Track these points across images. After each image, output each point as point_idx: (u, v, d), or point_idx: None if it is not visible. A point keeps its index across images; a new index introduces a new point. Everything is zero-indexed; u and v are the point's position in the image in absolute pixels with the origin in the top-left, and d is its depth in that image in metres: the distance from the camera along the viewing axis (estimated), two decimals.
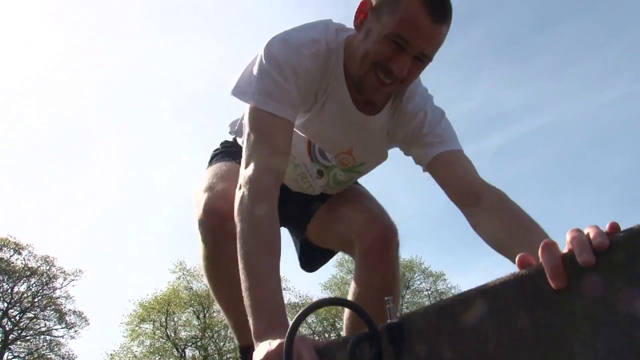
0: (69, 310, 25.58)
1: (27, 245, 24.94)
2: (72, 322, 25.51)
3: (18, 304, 24.57)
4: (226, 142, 1.75)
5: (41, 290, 25.12)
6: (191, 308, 23.65)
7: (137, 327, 23.22)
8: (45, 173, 38.70)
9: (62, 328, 25.30)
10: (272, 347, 0.90)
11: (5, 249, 24.57)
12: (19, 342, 24.61)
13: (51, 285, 25.32)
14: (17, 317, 24.52)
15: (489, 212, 1.25)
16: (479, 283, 0.71)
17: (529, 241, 1.03)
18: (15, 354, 24.49)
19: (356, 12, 1.32)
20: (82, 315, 25.83)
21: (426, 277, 25.24)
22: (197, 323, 23.56)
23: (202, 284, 24.19)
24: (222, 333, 23.33)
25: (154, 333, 23.19)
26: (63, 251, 49.25)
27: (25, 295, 24.76)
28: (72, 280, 25.70)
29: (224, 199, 1.32)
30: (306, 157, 1.52)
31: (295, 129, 1.34)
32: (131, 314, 23.33)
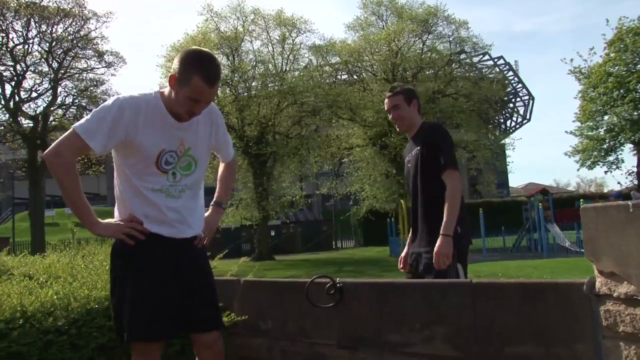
0: (106, 50, 27.31)
1: None
2: (111, 61, 27.44)
3: (59, 44, 26.16)
4: None
5: (78, 32, 26.42)
6: (220, 50, 24.59)
7: (171, 62, 24.58)
8: None
9: (102, 67, 27.40)
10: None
11: None
12: (68, 82, 27.04)
13: (86, 27, 26.53)
14: (62, 57, 26.39)
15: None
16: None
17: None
18: (67, 92, 27.18)
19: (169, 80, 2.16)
20: (119, 55, 27.67)
21: (449, 24, 25.36)
22: (227, 63, 24.72)
23: (231, 25, 24.91)
24: (250, 74, 24.68)
25: None
26: None
27: (63, 36, 26.15)
28: (105, 22, 26.79)
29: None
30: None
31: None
32: (165, 57, 24.70)
